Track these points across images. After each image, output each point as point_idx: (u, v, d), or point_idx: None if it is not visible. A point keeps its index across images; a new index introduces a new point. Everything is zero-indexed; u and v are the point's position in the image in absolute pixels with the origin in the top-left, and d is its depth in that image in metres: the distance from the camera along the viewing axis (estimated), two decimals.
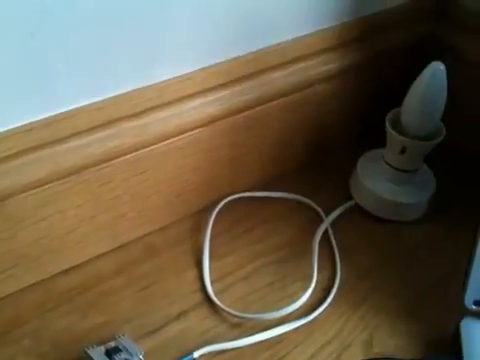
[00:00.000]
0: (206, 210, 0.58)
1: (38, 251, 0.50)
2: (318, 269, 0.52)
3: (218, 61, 0.52)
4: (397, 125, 0.54)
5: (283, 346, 0.47)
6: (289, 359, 0.46)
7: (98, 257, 0.54)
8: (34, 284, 0.52)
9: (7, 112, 0.43)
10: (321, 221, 0.57)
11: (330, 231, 0.56)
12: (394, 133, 0.53)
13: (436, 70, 0.50)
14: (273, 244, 0.56)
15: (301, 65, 0.57)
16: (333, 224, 0.57)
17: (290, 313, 0.49)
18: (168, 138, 0.51)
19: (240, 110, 0.54)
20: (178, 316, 0.49)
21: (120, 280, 0.52)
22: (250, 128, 0.56)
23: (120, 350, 0.43)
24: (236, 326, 0.48)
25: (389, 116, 0.55)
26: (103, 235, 0.53)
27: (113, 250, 0.55)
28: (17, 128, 0.44)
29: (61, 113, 0.45)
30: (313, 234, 0.56)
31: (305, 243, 0.55)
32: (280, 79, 0.56)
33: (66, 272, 0.53)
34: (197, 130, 0.53)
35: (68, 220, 0.50)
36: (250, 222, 0.58)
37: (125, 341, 0.45)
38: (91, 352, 0.43)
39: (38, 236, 0.49)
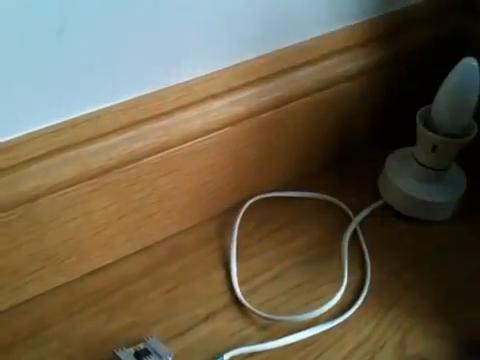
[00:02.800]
0: (232, 210, 0.57)
1: (65, 253, 0.50)
2: (348, 270, 0.51)
3: (242, 60, 0.51)
4: (428, 122, 0.53)
5: (314, 348, 0.46)
6: None
7: (125, 258, 0.54)
8: (61, 286, 0.52)
9: (34, 114, 0.43)
10: (349, 221, 0.56)
11: (359, 231, 0.56)
12: (425, 130, 0.52)
13: (468, 66, 0.49)
14: (301, 244, 0.55)
15: (327, 63, 0.56)
16: (362, 224, 0.56)
17: (320, 315, 0.48)
18: (194, 138, 0.51)
19: (265, 109, 0.54)
20: (206, 318, 0.49)
21: (147, 281, 0.52)
22: (276, 127, 0.56)
23: (149, 352, 0.43)
24: (265, 328, 0.48)
25: (420, 113, 0.54)
26: (130, 236, 0.53)
27: (140, 251, 0.54)
28: (44, 129, 0.44)
29: (87, 114, 0.45)
30: (341, 234, 0.55)
31: (334, 243, 0.54)
32: (306, 77, 0.55)
33: (93, 273, 0.52)
34: (222, 130, 0.52)
35: (95, 221, 0.50)
36: (277, 222, 0.57)
37: (154, 343, 0.44)
38: (120, 354, 0.43)
39: (65, 238, 0.49)
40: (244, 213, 0.57)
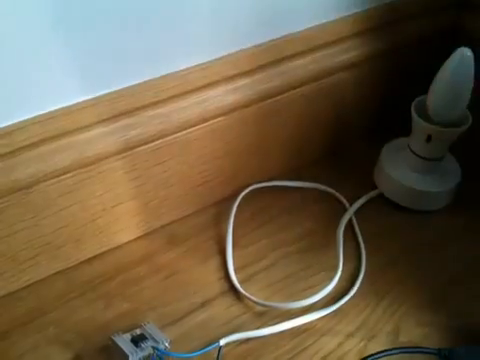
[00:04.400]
0: (228, 200, 0.58)
1: (61, 240, 0.50)
2: (343, 259, 0.51)
3: (239, 49, 0.51)
4: (423, 113, 0.53)
5: (308, 335, 0.46)
6: (314, 348, 0.46)
7: (121, 246, 0.54)
8: (57, 273, 0.52)
9: (30, 100, 0.43)
10: (345, 211, 0.57)
11: (354, 220, 0.56)
12: (420, 120, 0.53)
13: (463, 56, 0.49)
14: (296, 233, 0.55)
15: (323, 53, 0.56)
16: (357, 214, 0.57)
17: (315, 302, 0.48)
18: (190, 127, 0.51)
19: (262, 99, 0.54)
20: (202, 304, 0.49)
21: (143, 269, 0.52)
22: (271, 117, 0.56)
23: (146, 338, 0.43)
24: (261, 315, 0.48)
25: (415, 103, 0.54)
26: (126, 224, 0.53)
27: (136, 239, 0.55)
28: (40, 116, 0.44)
29: (83, 101, 0.45)
30: (337, 224, 0.55)
31: (329, 233, 0.55)
32: (302, 67, 0.55)
33: (89, 261, 0.53)
34: (218, 119, 0.52)
35: (91, 209, 0.50)
36: (273, 212, 0.57)
37: (150, 328, 0.44)
38: (117, 339, 0.43)
39: (61, 225, 0.49)
40: (240, 202, 0.57)
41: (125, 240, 0.54)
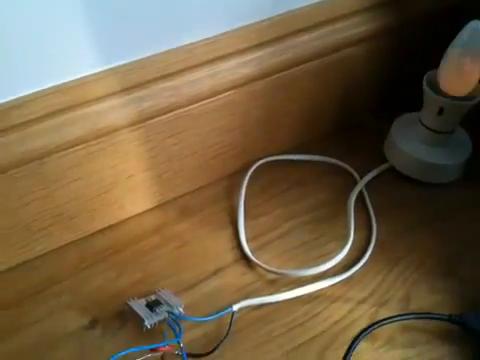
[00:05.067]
0: (240, 173, 0.58)
1: (74, 211, 0.51)
2: (354, 228, 0.52)
3: (248, 23, 0.51)
4: (434, 86, 0.54)
5: (320, 301, 0.47)
6: (326, 314, 0.46)
7: (133, 217, 0.55)
8: (70, 243, 0.52)
9: (45, 72, 0.44)
10: (355, 183, 0.57)
11: (365, 192, 0.56)
12: (432, 93, 0.53)
13: (475, 29, 0.49)
14: (307, 205, 0.55)
15: (333, 28, 0.56)
16: (368, 186, 0.57)
17: (327, 270, 0.49)
18: (202, 99, 0.51)
19: (272, 72, 0.54)
20: (215, 272, 0.49)
21: (156, 239, 0.52)
22: (283, 90, 0.56)
23: (161, 303, 0.44)
24: (273, 282, 0.48)
25: (426, 77, 0.54)
26: (139, 195, 0.54)
27: (148, 210, 0.55)
28: (53, 87, 0.44)
29: (96, 73, 0.46)
30: (348, 196, 0.56)
31: (340, 204, 0.55)
32: (312, 42, 0.55)
33: (102, 232, 0.53)
34: (230, 92, 0.53)
35: (104, 180, 0.51)
36: (284, 184, 0.58)
37: (165, 294, 0.45)
38: (132, 304, 0.44)
39: (74, 196, 0.50)
40: (251, 175, 0.57)
41: (138, 211, 0.55)
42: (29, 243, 0.50)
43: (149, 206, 0.55)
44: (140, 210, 0.55)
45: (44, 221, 0.50)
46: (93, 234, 0.53)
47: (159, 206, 0.55)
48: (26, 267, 0.50)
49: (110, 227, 0.54)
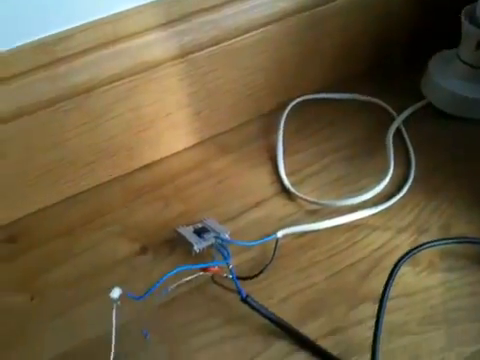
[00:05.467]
0: (276, 111, 0.59)
1: (116, 147, 0.52)
2: (393, 162, 0.52)
3: None
4: (473, 20, 0.53)
5: (360, 230, 0.48)
6: (366, 242, 0.47)
7: (174, 155, 0.56)
8: (114, 179, 0.54)
9: (86, 5, 0.44)
10: (393, 120, 0.57)
11: (403, 128, 0.56)
12: (470, 26, 0.53)
13: None
14: (344, 142, 0.56)
15: None
16: (405, 122, 0.57)
17: (366, 200, 0.49)
18: (241, 34, 0.52)
19: (308, 8, 0.54)
20: (257, 204, 0.51)
21: (197, 174, 0.54)
22: (318, 26, 0.56)
23: (208, 230, 0.45)
24: (313, 213, 0.50)
25: (465, 10, 0.54)
26: (179, 132, 0.55)
27: (188, 148, 0.56)
28: (97, 21, 0.45)
29: (138, 7, 0.46)
30: (385, 132, 0.56)
31: (377, 140, 0.56)
32: None
33: (144, 168, 0.55)
34: (267, 27, 0.53)
35: (145, 117, 0.52)
36: (320, 122, 0.58)
37: (211, 222, 0.46)
38: (181, 230, 0.45)
39: (115, 132, 0.51)
40: (288, 113, 0.58)
41: (178, 149, 0.56)
42: (75, 178, 0.52)
43: (189, 144, 0.56)
44: (180, 148, 0.56)
45: (88, 157, 0.51)
46: (135, 170, 0.55)
47: (198, 144, 0.57)
48: (73, 201, 0.52)
49: (151, 164, 0.55)
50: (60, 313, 0.44)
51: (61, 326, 0.43)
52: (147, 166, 0.55)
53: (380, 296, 0.40)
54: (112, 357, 0.37)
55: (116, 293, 0.37)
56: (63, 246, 0.48)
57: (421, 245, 0.43)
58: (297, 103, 0.59)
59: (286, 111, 0.58)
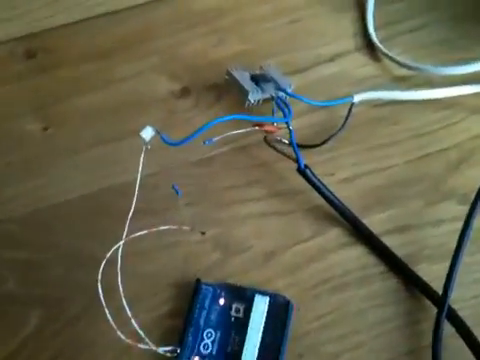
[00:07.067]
0: None
1: None
2: None
3: None
4: None
5: (458, 110, 0.38)
6: (462, 127, 0.38)
7: None
8: None
9: None
10: None
11: None
12: None
13: None
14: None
15: None
16: None
17: (470, 74, 0.39)
18: None
19: None
20: (332, 58, 0.41)
21: (267, 8, 0.44)
22: None
23: (267, 79, 0.36)
24: (402, 79, 0.40)
25: None
26: None
27: None
28: None
29: None
30: None
31: None
32: None
33: None
34: None
35: None
36: None
37: (272, 71, 0.37)
38: (235, 73, 0.36)
39: None
40: None
41: None
42: None
43: None
44: None
45: None
46: None
47: None
48: (113, 18, 0.43)
49: None
50: (78, 150, 0.37)
51: (79, 165, 0.36)
52: None
53: (468, 194, 0.32)
54: (132, 212, 0.30)
55: (148, 133, 0.29)
56: (90, 72, 0.40)
57: None
58: None
59: None
